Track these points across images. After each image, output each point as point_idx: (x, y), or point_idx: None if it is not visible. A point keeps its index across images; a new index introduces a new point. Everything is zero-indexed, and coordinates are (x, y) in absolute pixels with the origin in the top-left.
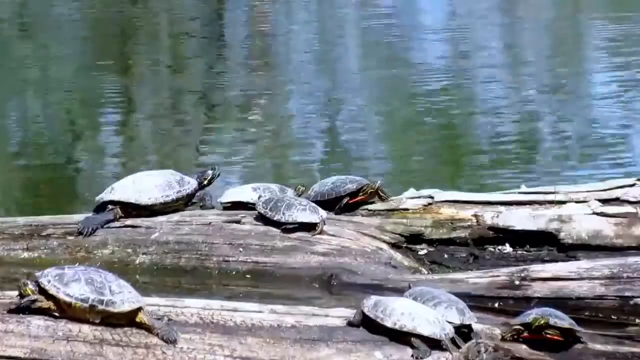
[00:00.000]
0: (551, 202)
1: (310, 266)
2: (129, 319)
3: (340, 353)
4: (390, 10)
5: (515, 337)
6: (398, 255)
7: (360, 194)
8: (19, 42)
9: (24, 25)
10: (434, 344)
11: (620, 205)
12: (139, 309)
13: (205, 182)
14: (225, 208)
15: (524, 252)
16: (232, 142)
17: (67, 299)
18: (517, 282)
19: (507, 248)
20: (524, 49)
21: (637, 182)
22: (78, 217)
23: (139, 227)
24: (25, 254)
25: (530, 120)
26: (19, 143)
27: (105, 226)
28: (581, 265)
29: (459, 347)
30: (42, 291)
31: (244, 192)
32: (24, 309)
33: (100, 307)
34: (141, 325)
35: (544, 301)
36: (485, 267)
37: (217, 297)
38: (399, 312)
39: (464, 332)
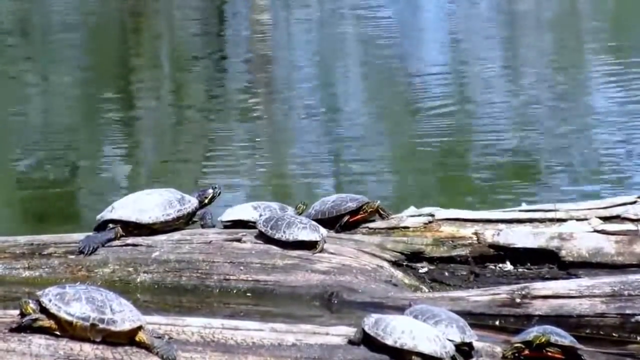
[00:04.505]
0: (552, 220)
1: (310, 284)
2: (129, 338)
3: None
4: (389, 20)
5: (516, 355)
6: (398, 273)
7: (361, 212)
8: (18, 56)
9: (23, 36)
10: None
11: (621, 222)
12: (140, 328)
13: (206, 201)
14: (225, 227)
15: (525, 270)
16: (233, 161)
17: (68, 318)
18: (517, 300)
19: (508, 266)
20: (525, 63)
21: (638, 199)
22: (79, 236)
23: (140, 245)
24: (27, 273)
25: (531, 137)
26: (20, 162)
27: (106, 245)
28: (582, 283)
29: None
30: (44, 310)
31: (245, 211)
32: (25, 327)
33: (101, 325)
34: (141, 344)
35: (545, 319)
36: (486, 285)
37: (218, 316)
38: (399, 330)
39: (464, 350)
